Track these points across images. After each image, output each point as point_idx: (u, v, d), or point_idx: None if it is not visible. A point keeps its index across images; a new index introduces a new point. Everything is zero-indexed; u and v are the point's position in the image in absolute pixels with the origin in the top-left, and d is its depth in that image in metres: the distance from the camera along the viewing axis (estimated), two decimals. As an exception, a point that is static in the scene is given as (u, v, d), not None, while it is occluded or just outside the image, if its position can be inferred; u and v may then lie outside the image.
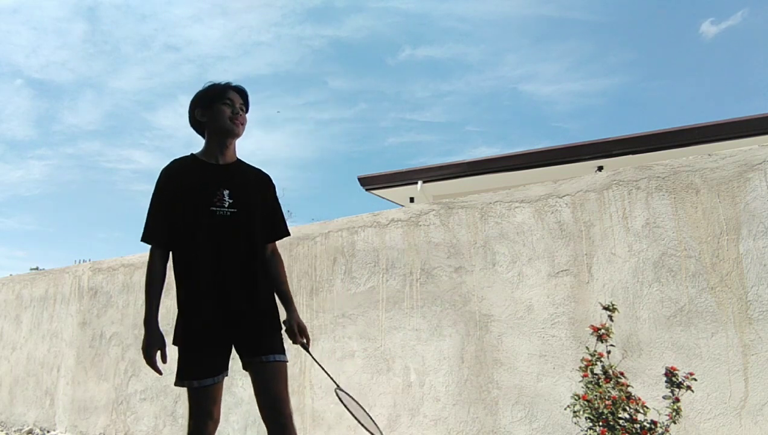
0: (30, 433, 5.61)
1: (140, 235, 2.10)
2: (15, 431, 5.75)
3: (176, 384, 2.04)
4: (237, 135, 2.15)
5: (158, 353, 2.05)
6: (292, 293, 2.26)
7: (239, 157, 2.23)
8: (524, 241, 3.14)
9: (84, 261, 6.61)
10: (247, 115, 2.22)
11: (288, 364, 2.13)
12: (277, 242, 2.29)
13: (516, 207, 3.21)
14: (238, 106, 2.15)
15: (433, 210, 3.54)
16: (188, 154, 2.18)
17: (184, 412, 4.49)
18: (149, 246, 2.11)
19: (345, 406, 2.07)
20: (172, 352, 2.12)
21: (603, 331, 2.32)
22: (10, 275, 7.05)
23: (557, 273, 3.00)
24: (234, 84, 2.18)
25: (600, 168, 7.99)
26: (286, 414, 1.98)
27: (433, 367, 3.32)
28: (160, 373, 2.04)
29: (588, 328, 2.65)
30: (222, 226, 2.04)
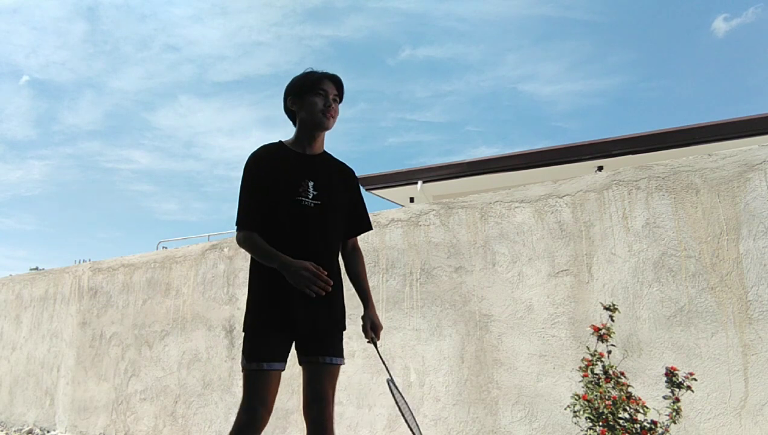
0: (30, 433, 5.61)
1: (235, 221, 2.04)
2: (15, 431, 5.75)
3: (244, 365, 1.98)
4: (327, 128, 2.12)
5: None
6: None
7: (325, 150, 2.21)
8: (524, 241, 3.14)
9: (84, 261, 6.62)
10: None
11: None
12: None
13: (516, 207, 3.21)
14: (331, 97, 2.10)
15: (433, 210, 3.54)
16: (276, 141, 2.16)
17: (185, 411, 4.49)
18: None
19: (394, 397, 2.10)
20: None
21: (603, 331, 2.32)
22: (10, 275, 7.05)
23: (557, 273, 3.00)
24: (330, 73, 2.14)
25: (600, 168, 8.00)
26: (328, 416, 1.99)
27: (433, 367, 3.32)
28: (330, 283, 1.92)
29: (588, 328, 2.65)
30: (306, 217, 2.02)
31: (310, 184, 2.06)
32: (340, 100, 2.16)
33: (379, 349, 2.23)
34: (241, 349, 2.06)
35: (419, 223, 3.57)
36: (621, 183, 2.91)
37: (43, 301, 6.20)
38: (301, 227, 2.01)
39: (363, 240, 3.80)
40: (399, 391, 2.18)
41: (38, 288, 6.32)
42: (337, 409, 3.64)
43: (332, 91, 2.12)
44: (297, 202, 2.02)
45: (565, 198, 3.07)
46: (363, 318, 2.20)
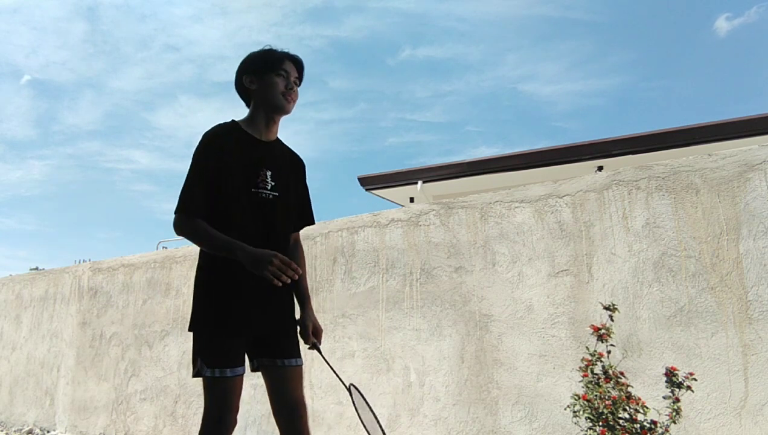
0: (30, 433, 5.60)
1: (174, 207, 1.84)
2: (15, 431, 5.75)
3: (201, 373, 1.81)
4: (287, 112, 1.96)
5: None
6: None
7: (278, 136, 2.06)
8: (524, 241, 3.14)
9: (84, 261, 6.62)
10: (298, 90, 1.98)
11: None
12: None
13: (516, 207, 3.21)
14: (292, 79, 1.95)
15: (433, 210, 3.54)
16: (230, 120, 1.97)
17: (185, 412, 4.49)
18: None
19: (354, 403, 1.96)
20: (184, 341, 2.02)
21: (603, 331, 2.32)
22: (10, 275, 7.05)
23: (557, 273, 3.00)
24: (292, 53, 1.98)
25: (600, 168, 7.99)
26: (303, 418, 1.92)
27: (433, 367, 3.32)
28: (298, 271, 1.74)
29: (588, 328, 2.65)
30: (264, 210, 1.88)
31: (268, 173, 1.90)
32: (300, 84, 2.01)
33: (323, 354, 2.04)
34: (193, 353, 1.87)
35: (419, 223, 3.57)
36: (621, 183, 2.91)
37: (43, 301, 6.20)
38: (259, 221, 1.86)
39: (363, 240, 3.80)
40: (363, 398, 2.01)
41: (38, 288, 6.32)
42: (337, 409, 3.64)
43: (294, 73, 1.97)
44: (255, 194, 1.87)
45: (565, 198, 3.07)
46: (300, 321, 2.02)
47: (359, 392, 2.03)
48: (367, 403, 2.03)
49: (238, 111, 2.08)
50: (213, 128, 1.92)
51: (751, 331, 2.47)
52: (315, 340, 2.03)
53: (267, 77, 1.93)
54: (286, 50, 1.99)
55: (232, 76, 2.04)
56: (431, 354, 3.34)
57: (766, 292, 2.47)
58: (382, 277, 3.66)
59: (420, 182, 9.32)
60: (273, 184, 1.91)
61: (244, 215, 1.84)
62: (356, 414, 1.96)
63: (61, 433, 5.48)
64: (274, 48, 1.99)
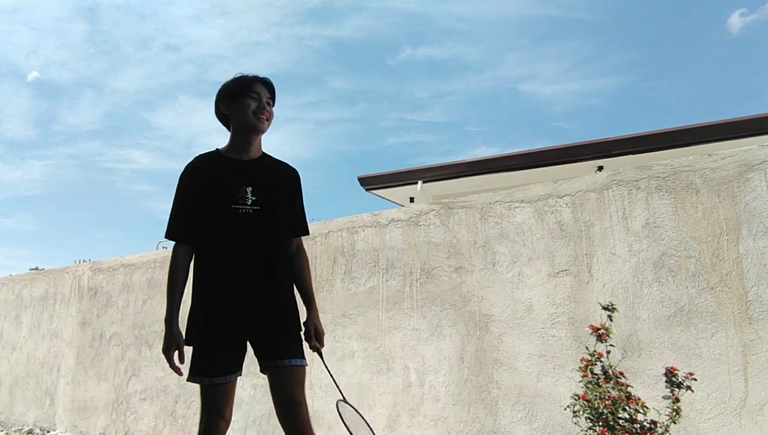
0: (30, 433, 5.61)
1: (164, 232, 2.07)
2: (15, 431, 5.75)
3: (188, 379, 1.99)
4: (261, 130, 2.11)
5: (176, 353, 1.98)
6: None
7: (265, 152, 2.20)
8: (524, 241, 3.14)
9: (84, 261, 6.61)
10: (272, 109, 2.19)
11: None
12: None
13: (516, 207, 3.21)
14: (264, 100, 2.10)
15: (433, 210, 3.54)
16: (213, 149, 2.14)
17: (185, 412, 4.49)
18: (171, 243, 2.11)
19: (342, 419, 2.03)
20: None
21: (602, 330, 2.32)
22: (10, 275, 7.05)
23: (557, 273, 3.00)
24: (261, 76, 2.15)
25: (600, 168, 7.99)
26: (301, 418, 1.97)
27: (433, 367, 3.32)
28: (179, 373, 1.97)
29: (587, 328, 2.65)
30: (244, 224, 2.01)
31: (248, 189, 2.03)
32: (273, 103, 2.17)
33: (324, 358, 2.14)
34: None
35: (419, 223, 3.57)
36: (621, 183, 2.91)
37: (43, 301, 6.20)
38: (239, 236, 1.99)
39: (363, 240, 3.80)
40: (355, 410, 2.11)
41: (38, 288, 6.32)
42: (337, 409, 3.64)
43: (265, 95, 2.12)
44: (234, 211, 2.00)
45: (565, 198, 3.07)
46: (304, 323, 2.14)
47: (352, 407, 2.12)
48: (361, 416, 2.12)
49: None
50: (193, 160, 2.11)
51: (751, 331, 2.47)
52: (316, 344, 2.14)
53: (239, 100, 2.09)
54: (255, 74, 2.15)
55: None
56: (431, 354, 3.34)
57: (766, 292, 2.47)
58: (382, 277, 3.67)
59: (420, 182, 9.32)
60: (254, 198, 2.03)
61: (226, 229, 2.00)
62: (346, 428, 2.04)
63: (61, 433, 5.48)
64: (244, 74, 2.15)
